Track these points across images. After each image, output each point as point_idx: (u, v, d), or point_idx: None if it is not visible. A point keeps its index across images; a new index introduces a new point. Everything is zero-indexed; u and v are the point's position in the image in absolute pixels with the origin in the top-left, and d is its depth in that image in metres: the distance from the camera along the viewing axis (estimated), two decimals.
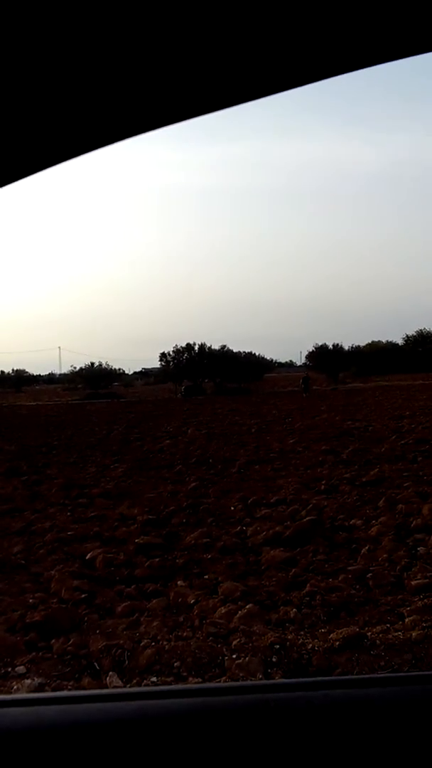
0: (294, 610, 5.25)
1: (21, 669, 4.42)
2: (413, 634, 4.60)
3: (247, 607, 5.25)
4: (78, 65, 0.55)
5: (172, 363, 54.21)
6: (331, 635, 4.63)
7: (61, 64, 0.55)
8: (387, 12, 0.52)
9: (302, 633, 4.83)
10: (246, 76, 0.58)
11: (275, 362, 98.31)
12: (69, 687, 4.13)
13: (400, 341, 61.03)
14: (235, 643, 4.56)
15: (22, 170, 0.64)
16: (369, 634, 4.65)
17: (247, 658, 4.29)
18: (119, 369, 75.44)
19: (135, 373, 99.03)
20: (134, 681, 4.21)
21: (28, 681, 4.22)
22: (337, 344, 57.32)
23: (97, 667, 4.42)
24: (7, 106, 0.58)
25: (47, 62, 0.55)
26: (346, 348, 58.46)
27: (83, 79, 0.57)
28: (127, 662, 4.43)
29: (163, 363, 55.60)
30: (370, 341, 64.91)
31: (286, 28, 0.53)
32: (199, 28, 0.53)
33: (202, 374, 52.38)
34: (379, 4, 0.51)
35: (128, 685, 4.12)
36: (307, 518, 7.96)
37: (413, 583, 5.71)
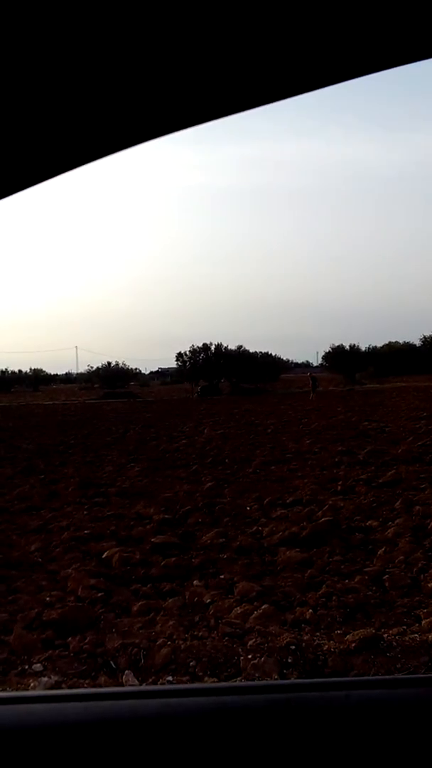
0: (310, 610, 5.23)
1: (38, 666, 4.46)
2: (430, 636, 4.57)
3: (263, 607, 5.25)
4: (81, 73, 0.55)
5: (188, 363, 54.16)
6: (347, 636, 4.62)
7: (65, 72, 0.55)
8: (389, 18, 0.52)
9: (318, 634, 4.81)
10: (249, 83, 0.58)
11: (292, 363, 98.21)
12: (85, 685, 4.16)
13: (417, 342, 60.37)
14: (250, 643, 4.56)
15: (26, 180, 0.65)
16: (385, 635, 4.63)
17: (262, 659, 4.29)
18: (136, 369, 75.62)
19: (151, 372, 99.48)
20: (150, 680, 4.23)
21: (45, 679, 4.25)
22: (354, 345, 56.95)
23: (114, 666, 4.45)
24: (17, 118, 0.58)
25: (52, 72, 0.55)
26: (363, 349, 58.07)
27: (87, 88, 0.57)
28: (143, 661, 4.45)
29: (179, 363, 55.53)
30: (387, 342, 64.25)
31: (289, 36, 0.53)
32: (203, 36, 0.53)
33: (219, 374, 52.31)
34: (380, 11, 0.51)
35: (144, 684, 4.13)
36: (324, 519, 7.94)
37: (430, 585, 5.67)
